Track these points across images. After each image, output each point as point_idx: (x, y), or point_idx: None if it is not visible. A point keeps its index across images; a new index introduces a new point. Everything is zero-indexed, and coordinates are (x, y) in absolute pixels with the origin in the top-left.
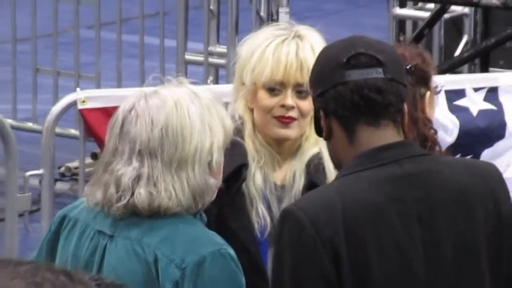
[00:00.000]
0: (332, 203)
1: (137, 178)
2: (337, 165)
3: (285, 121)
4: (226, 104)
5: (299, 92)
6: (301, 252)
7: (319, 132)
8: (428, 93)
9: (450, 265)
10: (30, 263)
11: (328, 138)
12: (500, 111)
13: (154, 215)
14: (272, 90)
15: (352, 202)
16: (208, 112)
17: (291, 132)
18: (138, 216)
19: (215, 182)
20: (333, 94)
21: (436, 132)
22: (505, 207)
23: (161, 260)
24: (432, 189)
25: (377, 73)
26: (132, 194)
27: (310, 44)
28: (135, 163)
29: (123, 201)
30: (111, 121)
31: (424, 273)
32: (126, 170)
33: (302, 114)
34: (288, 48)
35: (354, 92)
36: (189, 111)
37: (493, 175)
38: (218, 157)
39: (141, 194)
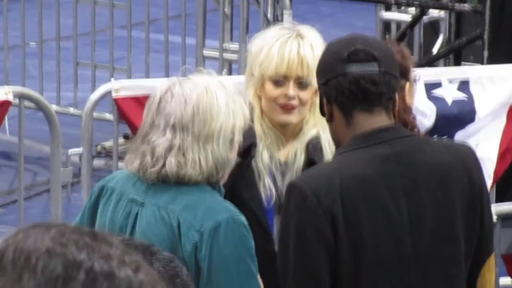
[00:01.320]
0: (331, 177)
1: (169, 148)
2: (336, 143)
3: (287, 108)
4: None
5: (300, 84)
6: (305, 217)
7: (323, 114)
8: (408, 84)
9: (430, 231)
10: (60, 225)
11: (329, 120)
12: (470, 100)
13: (180, 182)
14: (277, 82)
15: (347, 176)
16: (231, 99)
17: (292, 117)
18: (166, 184)
19: (234, 157)
20: (335, 84)
21: (415, 117)
22: (478, 180)
23: (183, 224)
24: (416, 166)
25: (372, 67)
26: (164, 161)
27: (310, 42)
28: (168, 135)
29: (156, 167)
30: (149, 100)
31: (408, 237)
32: (160, 141)
33: (302, 103)
34: (290, 46)
35: (352, 83)
36: (217, 95)
37: (469, 154)
38: (238, 137)
39: (172, 162)
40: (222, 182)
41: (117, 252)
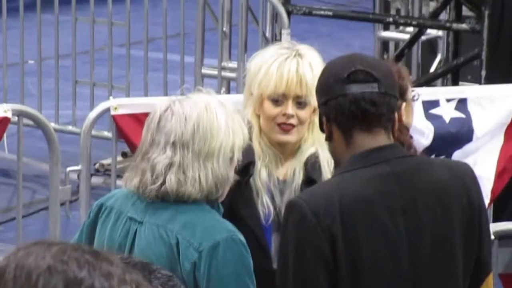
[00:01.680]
0: (331, 196)
1: (169, 165)
2: (336, 162)
3: (286, 128)
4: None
5: (299, 103)
6: (304, 236)
7: (323, 131)
8: (404, 104)
9: (429, 250)
10: (61, 243)
11: (329, 139)
12: (468, 119)
13: (179, 200)
14: (276, 101)
15: (347, 196)
16: (231, 118)
17: (291, 137)
18: (165, 202)
19: (233, 175)
20: (335, 104)
21: (411, 137)
22: (477, 200)
23: (181, 243)
24: (415, 185)
25: (372, 88)
26: (164, 179)
27: (309, 62)
28: (169, 152)
29: (156, 185)
30: (148, 119)
31: (406, 257)
32: (160, 158)
33: (301, 121)
34: (289, 65)
35: (352, 103)
36: (217, 114)
37: (468, 173)
38: (237, 155)
39: (172, 179)
40: (220, 200)
41: (118, 270)
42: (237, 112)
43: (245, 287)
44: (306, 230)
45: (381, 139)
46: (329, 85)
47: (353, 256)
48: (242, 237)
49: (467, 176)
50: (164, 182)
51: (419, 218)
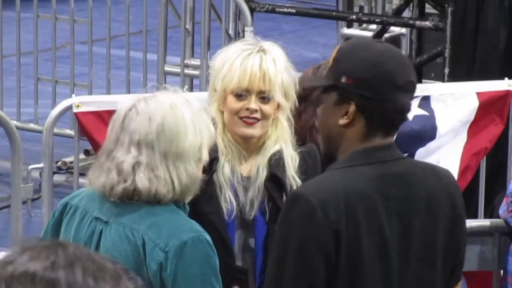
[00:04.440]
0: (336, 191)
1: (136, 165)
2: (328, 148)
3: (249, 122)
4: None
5: (262, 98)
6: (310, 229)
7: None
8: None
9: (415, 256)
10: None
11: (344, 126)
12: (431, 116)
13: (148, 200)
14: (239, 95)
15: (351, 193)
16: (197, 117)
17: (255, 131)
18: (131, 203)
19: (200, 175)
20: (380, 106)
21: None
22: (459, 208)
23: (148, 244)
24: (410, 189)
25: (411, 99)
26: (134, 178)
27: (273, 57)
28: (134, 152)
29: (124, 184)
30: (113, 117)
31: (395, 258)
32: (125, 158)
33: (265, 116)
34: (253, 60)
35: (398, 113)
36: (183, 113)
37: (451, 181)
38: (206, 155)
39: (141, 177)
40: (187, 201)
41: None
42: (204, 110)
43: (211, 287)
44: (313, 223)
45: (390, 140)
46: (377, 83)
47: (353, 254)
48: (208, 238)
49: (451, 184)
50: (133, 181)
51: (410, 223)
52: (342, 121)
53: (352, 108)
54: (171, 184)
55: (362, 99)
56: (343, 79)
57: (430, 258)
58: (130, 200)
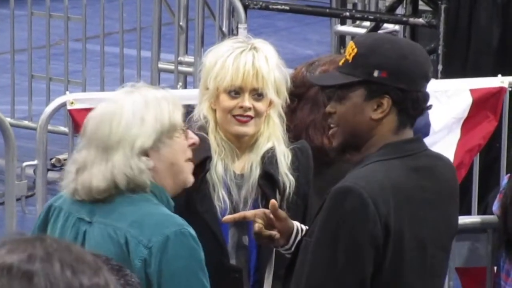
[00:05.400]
0: (384, 186)
1: (82, 164)
2: (351, 144)
3: (242, 120)
4: (187, 106)
5: (255, 95)
6: (362, 223)
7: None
8: None
9: (441, 244)
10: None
11: (375, 119)
12: (425, 113)
13: (120, 196)
14: (232, 93)
15: (396, 186)
16: (144, 107)
17: (248, 129)
18: (110, 201)
19: (151, 164)
20: (413, 97)
21: None
22: (459, 201)
23: (130, 241)
24: (436, 180)
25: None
26: (76, 178)
27: (265, 55)
28: (84, 152)
29: (75, 185)
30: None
31: (429, 248)
32: (77, 158)
33: (258, 114)
34: (245, 58)
35: (423, 102)
36: (124, 106)
37: (456, 174)
38: (154, 144)
39: (84, 178)
40: (173, 195)
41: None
42: (169, 100)
43: (197, 281)
44: (366, 218)
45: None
46: (413, 75)
47: (398, 246)
48: (192, 230)
49: (455, 177)
50: (78, 182)
51: (439, 213)
52: (376, 115)
53: (386, 101)
54: (110, 178)
55: (398, 92)
56: (376, 73)
57: (448, 247)
58: (95, 199)
